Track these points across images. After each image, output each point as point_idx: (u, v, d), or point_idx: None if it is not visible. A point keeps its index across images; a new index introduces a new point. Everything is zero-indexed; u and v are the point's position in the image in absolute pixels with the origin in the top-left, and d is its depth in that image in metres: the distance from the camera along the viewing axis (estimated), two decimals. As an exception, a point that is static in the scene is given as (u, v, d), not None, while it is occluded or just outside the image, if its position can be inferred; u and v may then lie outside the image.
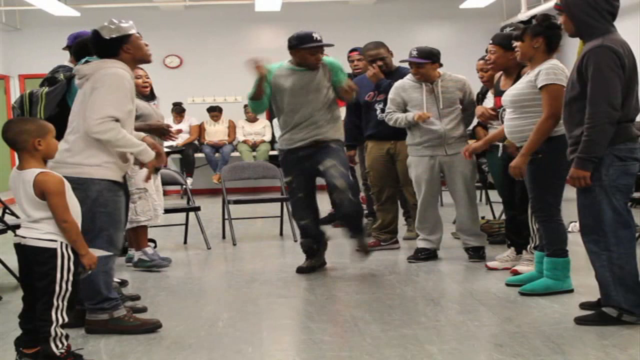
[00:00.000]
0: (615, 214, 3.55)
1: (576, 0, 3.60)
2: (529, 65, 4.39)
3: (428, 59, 5.29)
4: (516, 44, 4.36)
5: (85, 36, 4.68)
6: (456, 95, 5.36)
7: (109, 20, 3.80)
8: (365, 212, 6.97)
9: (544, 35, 4.21)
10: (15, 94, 11.49)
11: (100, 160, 3.64)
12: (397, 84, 5.49)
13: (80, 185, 3.53)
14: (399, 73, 5.85)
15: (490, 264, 5.09)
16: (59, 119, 3.80)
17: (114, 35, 3.74)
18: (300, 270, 5.18)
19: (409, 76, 5.45)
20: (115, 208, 3.72)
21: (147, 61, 3.93)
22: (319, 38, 4.96)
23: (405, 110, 5.41)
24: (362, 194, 7.85)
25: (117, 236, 3.77)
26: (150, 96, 5.44)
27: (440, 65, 5.40)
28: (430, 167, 5.38)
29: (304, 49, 4.94)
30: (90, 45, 3.87)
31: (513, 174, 4.26)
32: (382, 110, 5.79)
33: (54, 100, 4.12)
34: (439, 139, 5.31)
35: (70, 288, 3.14)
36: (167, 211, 5.94)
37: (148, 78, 5.40)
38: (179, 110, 11.26)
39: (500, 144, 4.93)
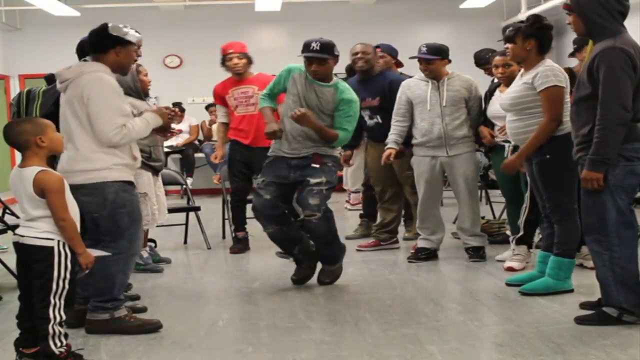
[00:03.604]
0: (619, 214, 3.56)
1: (588, 0, 3.59)
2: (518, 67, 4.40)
3: (437, 55, 5.27)
4: (508, 45, 4.37)
5: None
6: (462, 94, 5.33)
7: (124, 25, 3.86)
8: (360, 212, 6.97)
9: (535, 36, 4.21)
10: (15, 94, 11.49)
11: (109, 163, 3.66)
12: (404, 82, 5.48)
13: (95, 190, 3.57)
14: (383, 75, 5.81)
15: (509, 264, 5.03)
16: (55, 117, 3.80)
17: (115, 34, 3.76)
18: (294, 281, 4.85)
19: (418, 75, 5.44)
20: (133, 207, 3.75)
21: (124, 73, 4.02)
22: (315, 47, 4.59)
23: (411, 109, 5.38)
24: (360, 195, 7.85)
25: (138, 235, 3.82)
26: (145, 94, 5.43)
27: (449, 61, 5.40)
28: (430, 167, 5.37)
29: (303, 56, 4.68)
30: (90, 34, 3.88)
31: (506, 172, 4.25)
32: (370, 117, 5.80)
33: (51, 99, 4.12)
34: (440, 140, 5.31)
35: (67, 286, 3.15)
36: (167, 211, 5.94)
37: (145, 76, 5.40)
38: (179, 110, 11.25)
39: (508, 145, 4.94)
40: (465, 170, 5.35)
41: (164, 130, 4.34)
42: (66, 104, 3.72)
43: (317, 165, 4.66)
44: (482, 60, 6.02)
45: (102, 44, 3.77)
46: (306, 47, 4.65)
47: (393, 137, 5.40)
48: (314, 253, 4.84)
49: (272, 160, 4.79)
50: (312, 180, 4.63)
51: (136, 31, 3.89)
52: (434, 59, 5.26)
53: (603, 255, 3.60)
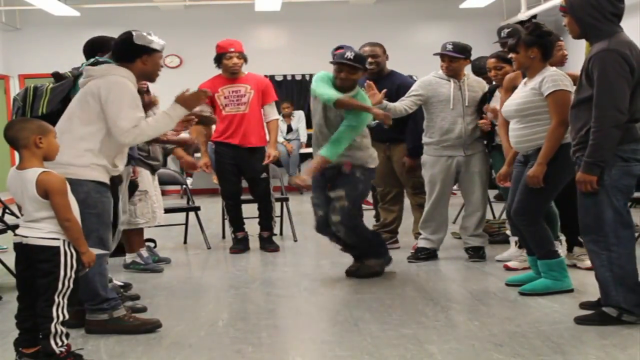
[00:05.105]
0: (615, 214, 3.56)
1: (580, 2, 3.60)
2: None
3: (462, 54, 5.30)
4: (511, 55, 4.37)
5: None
6: (478, 95, 5.37)
7: (148, 32, 3.84)
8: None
9: (537, 44, 4.21)
10: (14, 94, 11.50)
11: (89, 162, 3.63)
12: (423, 78, 5.46)
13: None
14: (392, 78, 5.79)
15: (511, 264, 5.05)
16: (61, 115, 3.80)
17: (141, 43, 3.76)
18: (347, 273, 5.01)
19: (434, 72, 5.44)
20: (103, 209, 3.71)
21: (152, 80, 3.98)
22: (350, 57, 4.69)
23: (425, 104, 5.36)
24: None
25: (106, 237, 3.77)
26: (146, 92, 5.44)
27: (470, 62, 5.43)
28: (447, 167, 5.37)
29: (332, 63, 4.78)
30: (114, 43, 3.88)
31: (531, 184, 4.15)
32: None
33: (59, 97, 4.10)
34: (459, 139, 5.31)
35: (71, 285, 3.16)
36: (167, 211, 5.94)
37: None
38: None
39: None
40: (480, 169, 5.38)
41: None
42: (79, 96, 3.73)
43: (348, 170, 4.78)
44: (483, 70, 5.97)
45: (128, 54, 3.77)
46: (340, 55, 4.75)
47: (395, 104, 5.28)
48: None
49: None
50: (332, 194, 4.79)
51: (158, 38, 3.88)
52: (459, 57, 5.28)
53: (601, 256, 3.61)
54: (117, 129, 3.63)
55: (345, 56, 4.72)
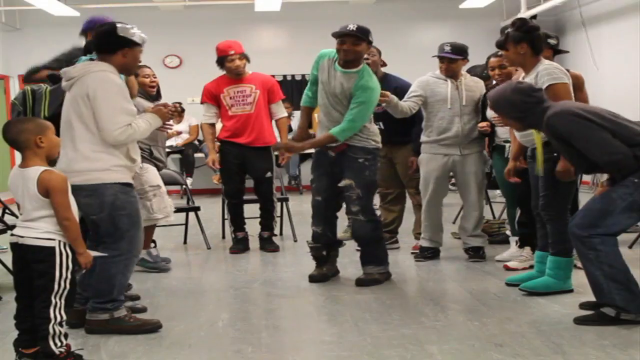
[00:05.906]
0: (613, 227, 3.60)
1: (505, 108, 3.83)
2: (519, 70, 4.41)
3: (460, 55, 5.31)
4: (501, 52, 4.37)
5: (99, 23, 4.68)
6: (476, 95, 5.38)
7: (131, 25, 3.82)
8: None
9: (526, 40, 4.22)
10: (14, 94, 11.49)
11: (109, 164, 3.65)
12: (421, 78, 5.44)
13: (93, 191, 3.58)
14: (386, 82, 5.62)
15: (510, 264, 5.06)
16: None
17: (123, 35, 3.74)
18: (312, 278, 4.88)
19: (431, 72, 5.44)
20: (133, 209, 3.74)
21: (130, 74, 4.03)
22: (352, 28, 4.58)
23: (424, 104, 5.35)
24: None
25: (138, 237, 3.80)
26: (156, 96, 5.45)
27: (468, 61, 5.44)
28: (442, 165, 5.37)
29: (334, 36, 4.65)
30: (96, 34, 3.85)
31: (563, 178, 4.08)
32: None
33: (59, 99, 4.11)
34: (456, 138, 5.31)
35: (68, 286, 3.15)
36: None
37: (155, 77, 5.42)
38: (179, 106, 11.27)
39: (508, 145, 4.94)
40: (476, 170, 5.38)
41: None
42: (70, 102, 3.71)
43: (333, 154, 4.73)
44: (480, 78, 5.94)
45: (109, 45, 3.75)
46: (343, 28, 4.65)
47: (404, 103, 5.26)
48: (335, 261, 5.04)
49: (316, 157, 4.91)
50: (343, 183, 4.72)
51: (140, 31, 3.87)
52: (458, 58, 5.29)
53: (588, 255, 3.61)
54: (105, 133, 3.61)
55: (348, 28, 4.62)
